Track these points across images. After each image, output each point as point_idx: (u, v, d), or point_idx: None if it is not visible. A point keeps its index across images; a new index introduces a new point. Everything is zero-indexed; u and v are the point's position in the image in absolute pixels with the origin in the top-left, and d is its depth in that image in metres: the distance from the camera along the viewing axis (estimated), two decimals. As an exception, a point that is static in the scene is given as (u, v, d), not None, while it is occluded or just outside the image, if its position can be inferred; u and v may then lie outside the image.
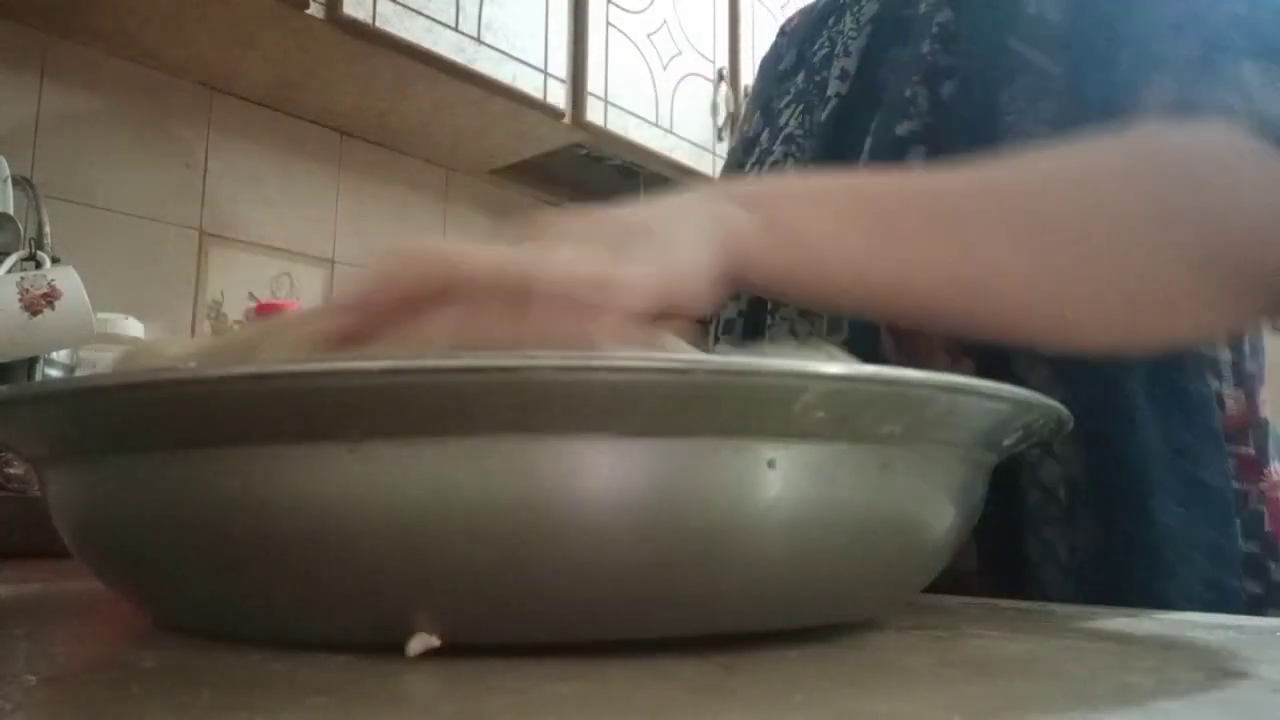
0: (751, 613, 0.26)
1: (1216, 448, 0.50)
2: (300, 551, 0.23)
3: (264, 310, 1.26)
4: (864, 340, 0.53)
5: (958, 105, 0.55)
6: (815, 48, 0.68)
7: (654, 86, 1.71)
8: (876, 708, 0.20)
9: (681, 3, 1.80)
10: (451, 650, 0.24)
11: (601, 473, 0.23)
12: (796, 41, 0.72)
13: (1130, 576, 0.48)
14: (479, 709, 0.19)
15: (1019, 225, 0.41)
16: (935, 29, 0.57)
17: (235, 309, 1.46)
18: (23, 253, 0.91)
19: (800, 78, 0.68)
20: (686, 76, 1.78)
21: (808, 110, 0.64)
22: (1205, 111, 0.43)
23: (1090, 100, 0.50)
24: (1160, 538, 0.48)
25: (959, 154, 0.50)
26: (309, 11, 1.22)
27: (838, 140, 0.61)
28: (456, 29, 1.38)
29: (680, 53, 1.78)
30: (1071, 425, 0.31)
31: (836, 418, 0.24)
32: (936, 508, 0.29)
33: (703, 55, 1.83)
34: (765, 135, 0.67)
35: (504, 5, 1.46)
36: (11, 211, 0.95)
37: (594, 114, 1.58)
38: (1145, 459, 0.48)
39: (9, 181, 0.97)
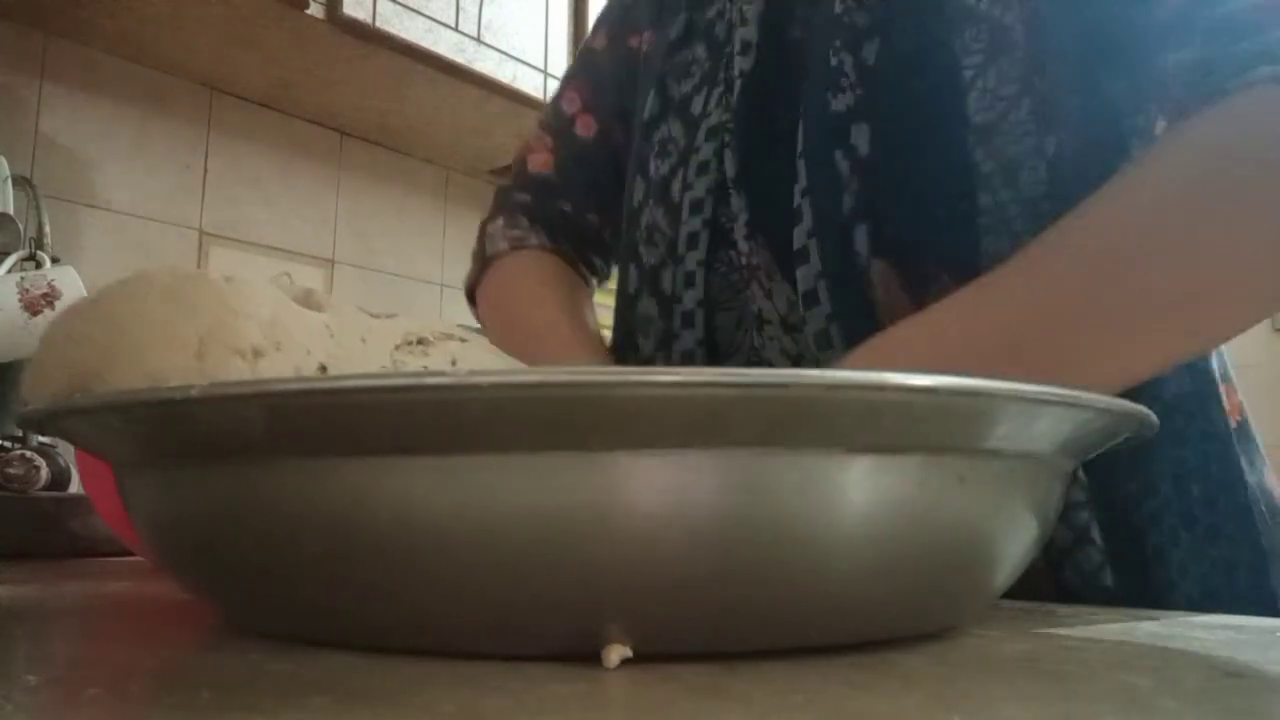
0: (823, 627, 0.26)
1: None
2: (402, 560, 0.23)
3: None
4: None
5: (892, 68, 0.49)
6: (709, 14, 0.60)
7: (654, 86, 1.70)
8: (876, 708, 0.20)
9: (681, 3, 1.80)
10: (454, 652, 0.24)
11: (676, 486, 0.22)
12: (683, 5, 0.62)
13: (1146, 540, 0.47)
14: (479, 709, 0.19)
15: (1096, 334, 0.41)
16: None
17: (235, 309, 1.46)
18: (23, 253, 0.91)
19: (701, 52, 0.59)
20: (686, 76, 1.78)
21: (726, 93, 0.56)
22: (1229, 75, 0.42)
23: (1056, 55, 0.47)
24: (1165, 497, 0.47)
25: (906, 125, 0.48)
26: (309, 11, 1.22)
27: (761, 124, 0.55)
28: (456, 29, 1.38)
29: (680, 53, 1.78)
30: (1157, 427, 0.30)
31: (913, 429, 0.24)
32: (1015, 519, 0.28)
33: (703, 55, 1.83)
34: (678, 127, 0.59)
35: (504, 5, 1.46)
36: (11, 211, 0.95)
37: (594, 114, 1.58)
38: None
39: (9, 181, 0.97)
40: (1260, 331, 2.26)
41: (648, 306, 0.59)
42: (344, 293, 1.61)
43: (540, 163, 0.72)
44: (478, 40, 1.42)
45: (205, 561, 0.27)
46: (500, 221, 0.71)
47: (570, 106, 0.72)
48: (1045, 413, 0.26)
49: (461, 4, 1.39)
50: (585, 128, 0.71)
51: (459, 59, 1.38)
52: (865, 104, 0.49)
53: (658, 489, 0.22)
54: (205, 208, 1.45)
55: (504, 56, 1.45)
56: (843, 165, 0.49)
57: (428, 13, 1.34)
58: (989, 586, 0.30)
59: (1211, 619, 0.37)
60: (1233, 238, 0.42)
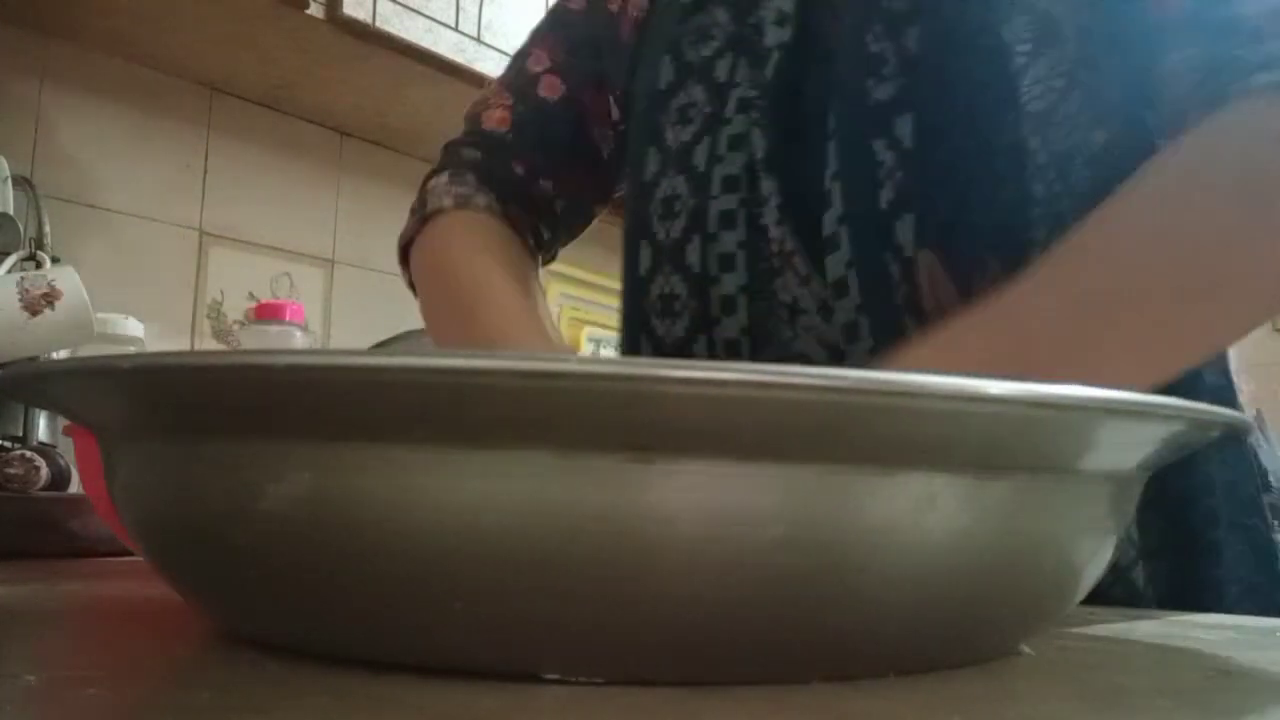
0: (884, 655, 0.23)
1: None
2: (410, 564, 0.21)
3: (264, 311, 1.26)
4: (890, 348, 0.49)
5: (937, 54, 0.48)
6: None
7: (654, 86, 1.70)
8: (876, 708, 0.20)
9: (681, 3, 1.79)
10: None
11: (728, 499, 0.20)
12: None
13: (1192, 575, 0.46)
14: (477, 709, 0.19)
15: (1127, 336, 0.42)
16: None
17: (235, 309, 1.46)
18: (23, 253, 0.91)
19: (722, 15, 0.56)
20: (686, 76, 1.78)
21: (754, 64, 0.54)
22: (1229, 80, 0.43)
23: (1103, 50, 0.47)
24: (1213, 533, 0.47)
25: (954, 111, 0.48)
26: (309, 11, 1.22)
27: (792, 102, 0.52)
28: (456, 29, 1.38)
29: (680, 53, 1.78)
30: (1251, 432, 0.28)
31: (1003, 444, 0.21)
32: (1094, 536, 0.26)
33: (703, 55, 1.83)
34: (699, 92, 0.55)
35: (504, 5, 1.46)
36: (11, 211, 0.95)
37: (594, 114, 1.58)
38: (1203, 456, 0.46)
39: (9, 181, 0.97)
40: (1260, 332, 2.26)
41: (671, 285, 0.55)
42: (344, 293, 1.61)
43: (496, 120, 0.67)
44: (478, 40, 1.42)
45: (198, 553, 0.24)
46: (445, 177, 0.66)
47: (537, 66, 0.67)
48: (1161, 426, 0.23)
49: (461, 4, 1.39)
50: (550, 89, 0.66)
51: (459, 59, 1.38)
52: (909, 93, 0.48)
53: (715, 507, 0.20)
54: (205, 208, 1.45)
55: (504, 56, 1.45)
56: (885, 156, 0.48)
57: (428, 13, 1.34)
58: (1059, 606, 0.27)
59: (1211, 618, 0.37)
60: (1230, 240, 0.43)
